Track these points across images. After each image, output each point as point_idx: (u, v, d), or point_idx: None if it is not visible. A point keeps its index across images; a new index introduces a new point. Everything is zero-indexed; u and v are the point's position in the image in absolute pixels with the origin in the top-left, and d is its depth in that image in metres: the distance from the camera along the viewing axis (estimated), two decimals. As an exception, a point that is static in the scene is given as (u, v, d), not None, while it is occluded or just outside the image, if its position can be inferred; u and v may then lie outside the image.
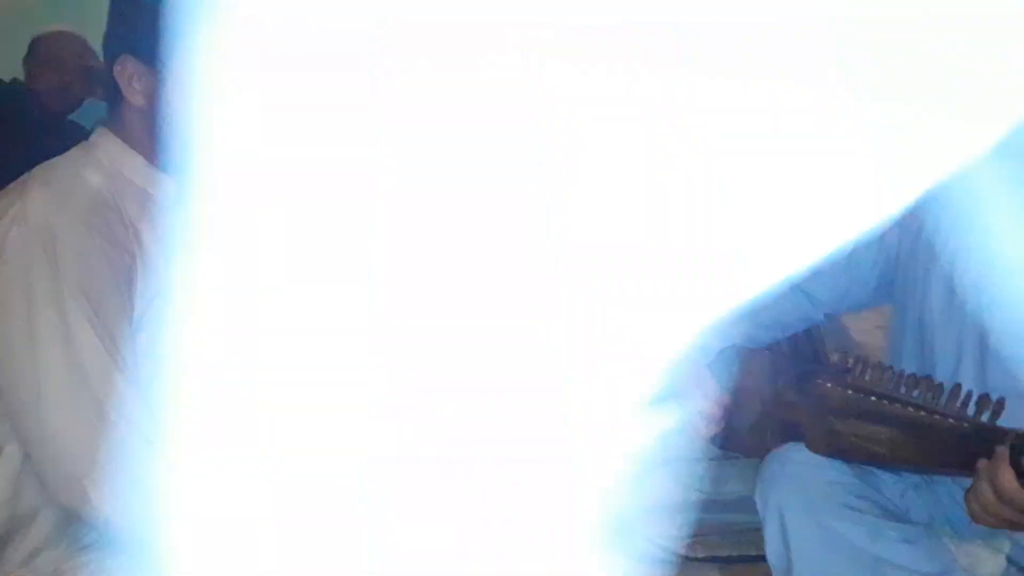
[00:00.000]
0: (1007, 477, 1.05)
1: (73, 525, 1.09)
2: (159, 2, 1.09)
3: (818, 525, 1.26)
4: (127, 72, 1.12)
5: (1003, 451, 1.06)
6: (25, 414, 1.02)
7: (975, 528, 1.21)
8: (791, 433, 1.38)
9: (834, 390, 1.29)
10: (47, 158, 1.16)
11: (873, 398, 1.24)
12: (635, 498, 1.77)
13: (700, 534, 1.77)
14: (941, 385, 1.19)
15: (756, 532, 1.38)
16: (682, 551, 1.66)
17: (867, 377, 1.28)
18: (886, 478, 1.37)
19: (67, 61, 2.68)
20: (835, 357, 1.61)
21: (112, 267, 1.07)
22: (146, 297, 1.11)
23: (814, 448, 1.32)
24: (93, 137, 1.18)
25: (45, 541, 1.10)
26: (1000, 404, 1.13)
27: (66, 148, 1.18)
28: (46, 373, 1.01)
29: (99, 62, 2.54)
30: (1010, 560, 1.30)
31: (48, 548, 1.10)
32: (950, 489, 1.36)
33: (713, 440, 1.52)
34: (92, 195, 1.10)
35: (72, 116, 2.83)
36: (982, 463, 1.08)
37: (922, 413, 1.17)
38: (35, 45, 2.71)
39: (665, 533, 1.71)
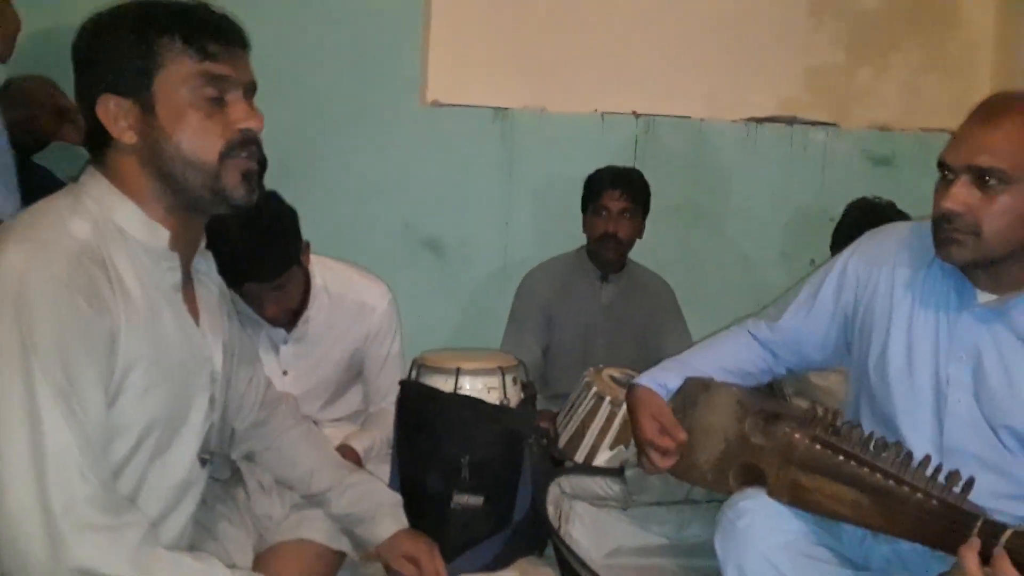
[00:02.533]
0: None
1: None
2: (126, 35, 1.08)
3: None
4: (111, 111, 1.09)
5: (975, 543, 1.07)
6: None
7: (930, 573, 1.22)
8: (753, 476, 1.37)
9: (802, 441, 1.28)
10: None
11: (841, 457, 1.23)
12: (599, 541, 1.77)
13: (661, 578, 1.76)
14: (910, 453, 1.20)
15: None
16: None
17: (836, 433, 1.27)
18: (845, 525, 1.37)
19: (35, 97, 2.73)
20: (804, 405, 1.60)
21: (90, 332, 1.02)
22: (128, 359, 1.07)
23: (776, 496, 1.31)
24: (83, 179, 1.13)
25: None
26: (970, 483, 1.13)
27: (31, 189, 1.14)
28: (8, 454, 0.97)
29: (70, 101, 2.54)
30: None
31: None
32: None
33: (673, 471, 1.52)
34: (76, 249, 1.04)
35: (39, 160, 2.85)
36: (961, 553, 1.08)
37: (891, 482, 1.17)
38: (6, 85, 2.77)
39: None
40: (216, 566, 1.09)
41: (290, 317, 1.96)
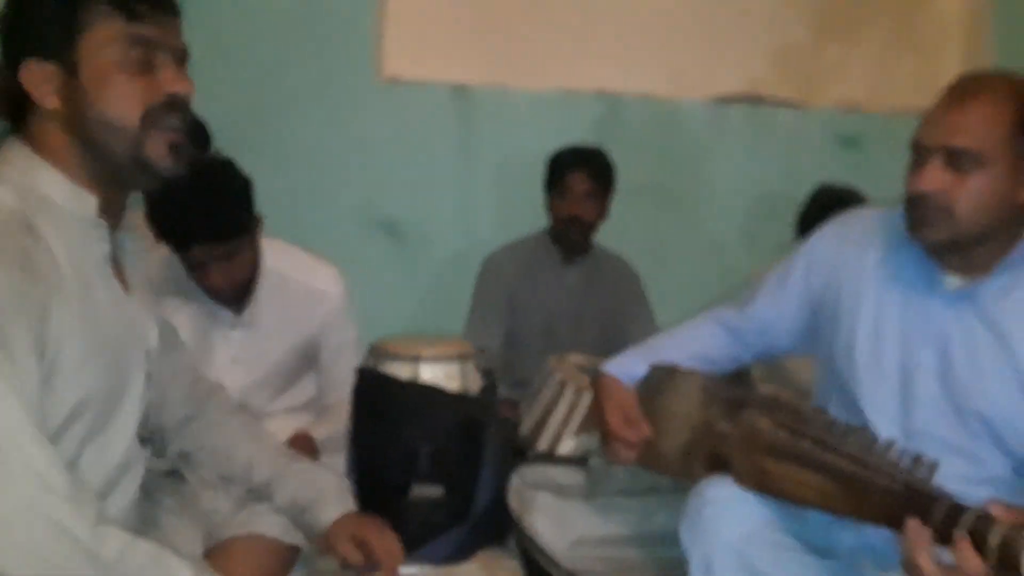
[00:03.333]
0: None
1: None
2: None
3: (743, 567, 1.25)
4: (34, 76, 1.04)
5: (923, 536, 1.06)
6: None
7: (897, 559, 1.19)
8: (719, 463, 1.35)
9: (766, 427, 1.27)
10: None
11: (807, 443, 1.21)
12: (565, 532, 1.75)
13: (627, 569, 1.73)
14: (875, 437, 1.19)
15: (684, 566, 1.34)
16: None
17: (801, 418, 1.26)
18: (811, 512, 1.36)
19: None
20: (768, 389, 1.60)
21: (25, 302, 0.97)
22: (61, 331, 1.01)
23: (742, 483, 1.30)
24: (2, 149, 1.08)
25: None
26: (933, 466, 1.12)
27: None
28: None
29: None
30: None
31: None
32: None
33: (638, 460, 1.50)
34: (3, 216, 1.00)
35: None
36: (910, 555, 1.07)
37: (855, 466, 1.16)
38: None
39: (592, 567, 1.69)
40: (166, 550, 1.05)
41: (236, 292, 1.88)
